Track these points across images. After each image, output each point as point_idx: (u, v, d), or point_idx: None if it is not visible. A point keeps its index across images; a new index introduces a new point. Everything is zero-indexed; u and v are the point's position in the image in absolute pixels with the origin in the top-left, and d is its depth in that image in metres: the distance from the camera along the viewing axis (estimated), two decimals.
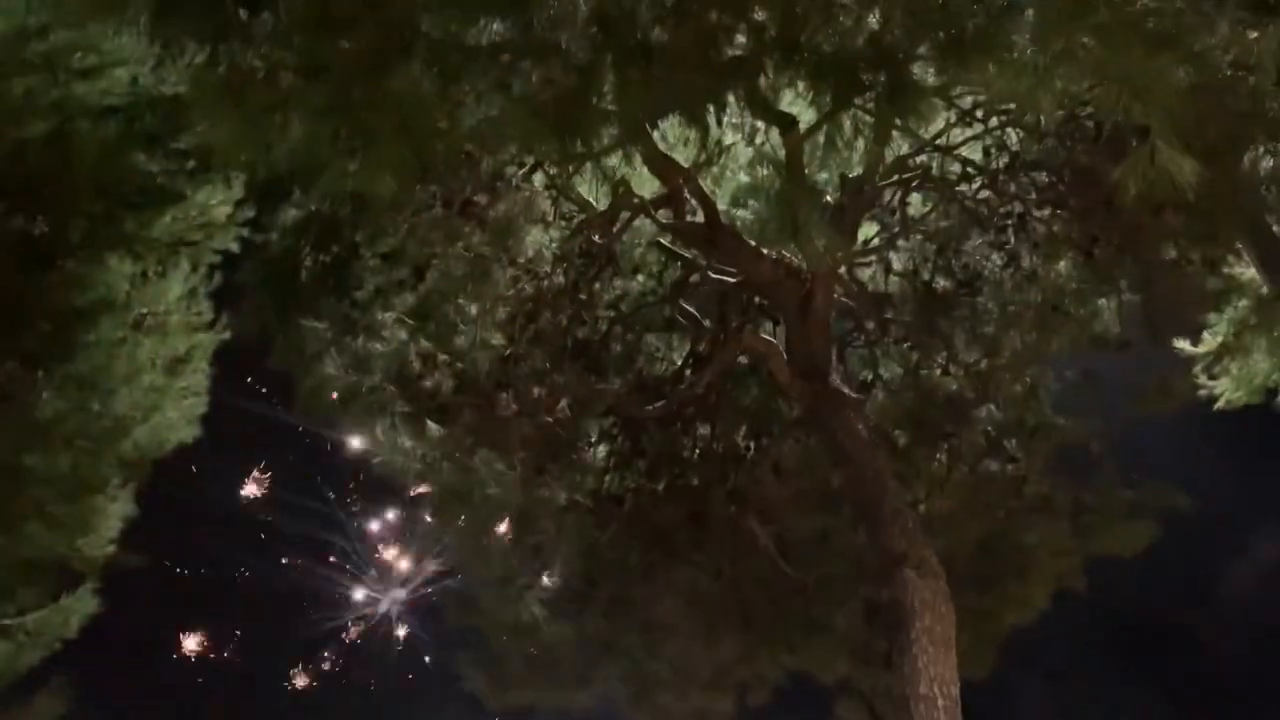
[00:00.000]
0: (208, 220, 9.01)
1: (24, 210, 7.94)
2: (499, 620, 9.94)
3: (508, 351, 9.12)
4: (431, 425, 9.18)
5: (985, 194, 8.74)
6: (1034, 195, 8.66)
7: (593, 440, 9.78)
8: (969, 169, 8.49)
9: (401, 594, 20.23)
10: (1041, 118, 7.55)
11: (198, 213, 8.92)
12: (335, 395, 9.03)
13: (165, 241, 8.93)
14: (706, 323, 9.62)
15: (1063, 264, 8.83)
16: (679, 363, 9.90)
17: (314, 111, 5.20)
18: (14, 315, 8.09)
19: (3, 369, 8.00)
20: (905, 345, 9.62)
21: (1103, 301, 9.01)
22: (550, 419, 9.42)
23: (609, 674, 9.98)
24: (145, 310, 9.26)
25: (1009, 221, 8.82)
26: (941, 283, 9.27)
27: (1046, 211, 8.67)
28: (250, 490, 19.87)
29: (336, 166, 5.64)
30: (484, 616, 10.00)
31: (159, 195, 8.66)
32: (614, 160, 7.40)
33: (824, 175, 7.50)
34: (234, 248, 9.25)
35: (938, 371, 9.49)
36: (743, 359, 9.66)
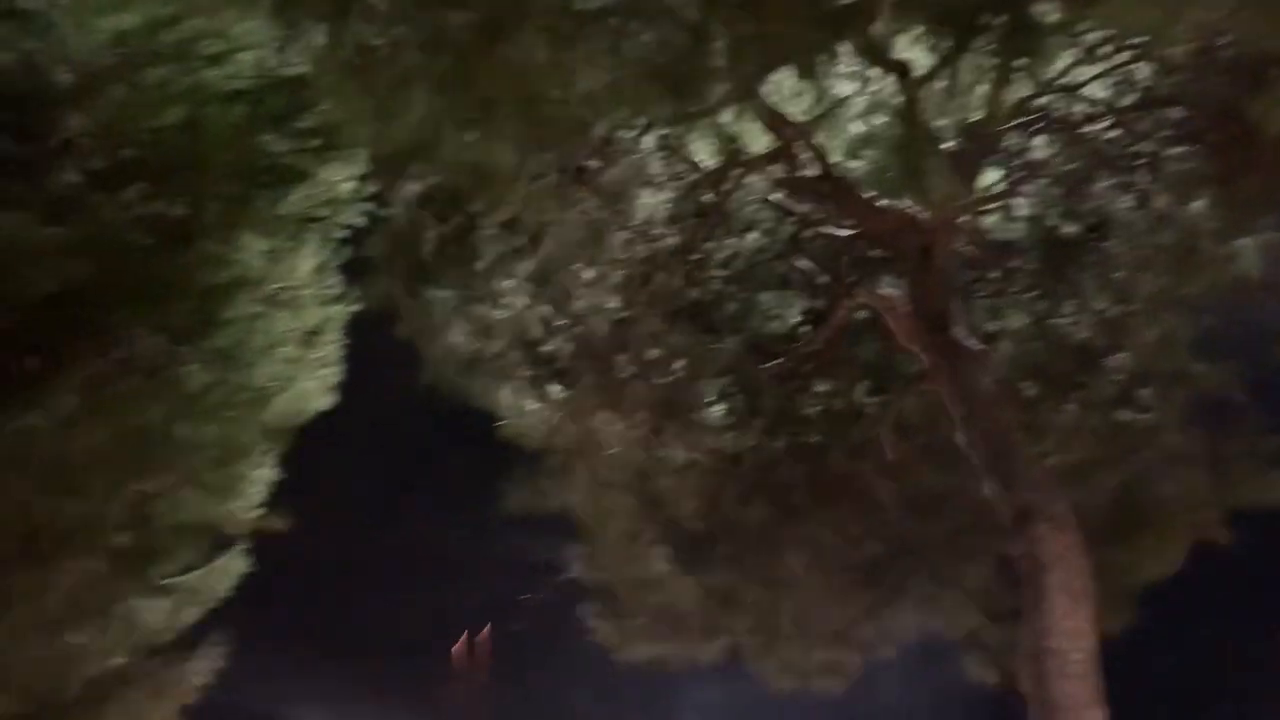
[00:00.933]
0: (334, 196, 9.31)
1: (163, 194, 8.34)
2: (624, 575, 10.15)
3: (623, 314, 9.23)
4: (553, 388, 9.37)
5: (1113, 133, 8.38)
6: (1166, 133, 8.27)
7: (710, 400, 9.83)
8: (1095, 108, 8.16)
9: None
10: (1174, 51, 7.19)
11: (324, 189, 9.22)
12: (461, 362, 9.30)
13: (295, 218, 9.27)
14: (822, 278, 9.54)
15: (1199, 203, 8.42)
16: (795, 320, 9.86)
17: (433, 85, 5.34)
18: (159, 294, 8.54)
19: (152, 344, 8.46)
20: (1031, 294, 9.35)
21: (1242, 241, 8.56)
22: (667, 380, 9.51)
23: (734, 627, 10.09)
24: (279, 285, 9.65)
25: (1140, 161, 8.45)
26: (1068, 228, 8.96)
27: (1180, 149, 8.27)
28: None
29: (456, 139, 5.79)
30: (610, 572, 10.22)
31: (287, 174, 8.99)
32: (726, 118, 7.37)
33: (942, 121, 7.31)
34: (360, 222, 9.54)
35: (1066, 320, 9.20)
36: (861, 314, 9.55)
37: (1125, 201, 8.78)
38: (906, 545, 9.40)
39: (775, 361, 9.55)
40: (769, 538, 9.77)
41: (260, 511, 10.26)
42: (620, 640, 10.47)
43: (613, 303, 9.07)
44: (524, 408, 9.47)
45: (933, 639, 10.01)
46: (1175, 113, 8.14)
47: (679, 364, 9.46)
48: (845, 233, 8.68)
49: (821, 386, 9.94)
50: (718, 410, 9.78)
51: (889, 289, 8.73)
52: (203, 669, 11.00)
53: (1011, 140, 8.32)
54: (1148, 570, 9.13)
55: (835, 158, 7.90)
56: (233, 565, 10.59)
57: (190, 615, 10.41)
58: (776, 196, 8.76)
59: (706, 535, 9.99)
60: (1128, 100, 8.03)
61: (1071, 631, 7.01)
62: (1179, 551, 9.11)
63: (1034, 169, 8.60)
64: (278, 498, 10.46)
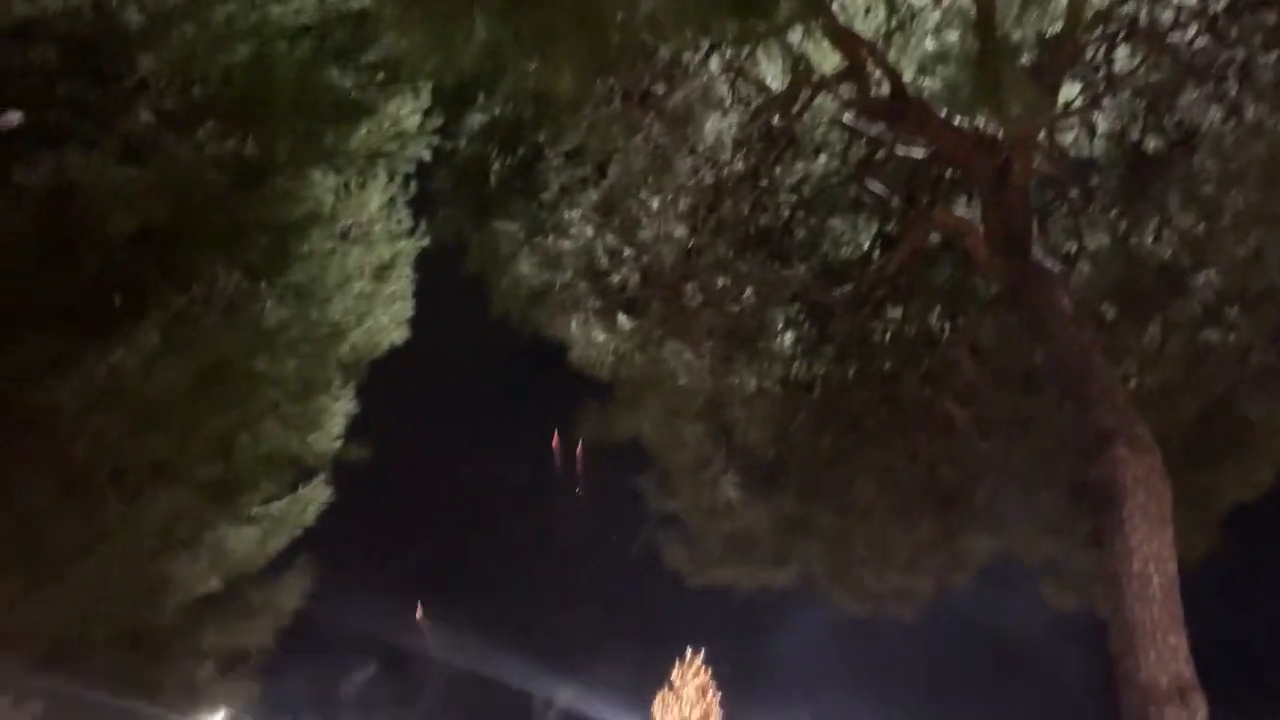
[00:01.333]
0: (400, 130, 9.34)
1: (234, 132, 8.45)
2: (696, 503, 10.23)
3: (691, 242, 9.15)
4: (621, 318, 9.37)
5: (1202, 41, 7.98)
6: (1259, 39, 7.84)
7: (780, 327, 9.74)
8: (1182, 15, 7.76)
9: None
10: None
11: (390, 124, 9.26)
12: (529, 294, 9.34)
13: (363, 154, 9.34)
14: (895, 201, 9.33)
15: None
16: (866, 245, 9.68)
17: (495, 13, 5.27)
18: (234, 231, 8.71)
19: (229, 282, 8.66)
20: (1113, 213, 9.03)
21: None
22: (735, 308, 9.45)
23: (806, 553, 10.14)
24: (350, 221, 9.78)
25: (1230, 70, 8.05)
26: (1153, 142, 8.60)
27: (1274, 55, 7.85)
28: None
29: (518, 67, 5.73)
30: (681, 499, 10.31)
31: (354, 109, 9.04)
32: (794, 36, 7.18)
33: (1020, 33, 7.03)
34: (426, 156, 9.57)
35: (1149, 239, 8.89)
36: (935, 237, 9.34)
37: (1214, 113, 8.39)
38: (982, 470, 9.29)
39: (846, 287, 9.41)
40: (841, 464, 9.73)
41: (339, 443, 10.54)
42: (693, 566, 10.59)
43: (680, 231, 8.99)
44: (593, 338, 9.49)
45: (1009, 563, 9.95)
46: (1269, 17, 7.71)
47: (748, 292, 9.38)
48: (918, 154, 8.44)
49: (894, 312, 9.78)
50: (788, 338, 9.71)
51: (964, 211, 8.52)
52: (292, 594, 11.45)
53: (1093, 52, 7.97)
54: (1232, 494, 8.91)
55: (908, 76, 7.67)
56: (315, 495, 10.93)
57: (277, 543, 10.80)
58: (847, 118, 8.54)
59: (777, 463, 9.99)
60: (1217, 5, 7.63)
61: (1152, 555, 6.89)
62: (1266, 474, 8.87)
63: (1116, 81, 8.24)
64: (356, 430, 10.73)
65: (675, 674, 25.74)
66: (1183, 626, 7.26)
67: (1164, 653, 7.00)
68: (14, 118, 7.90)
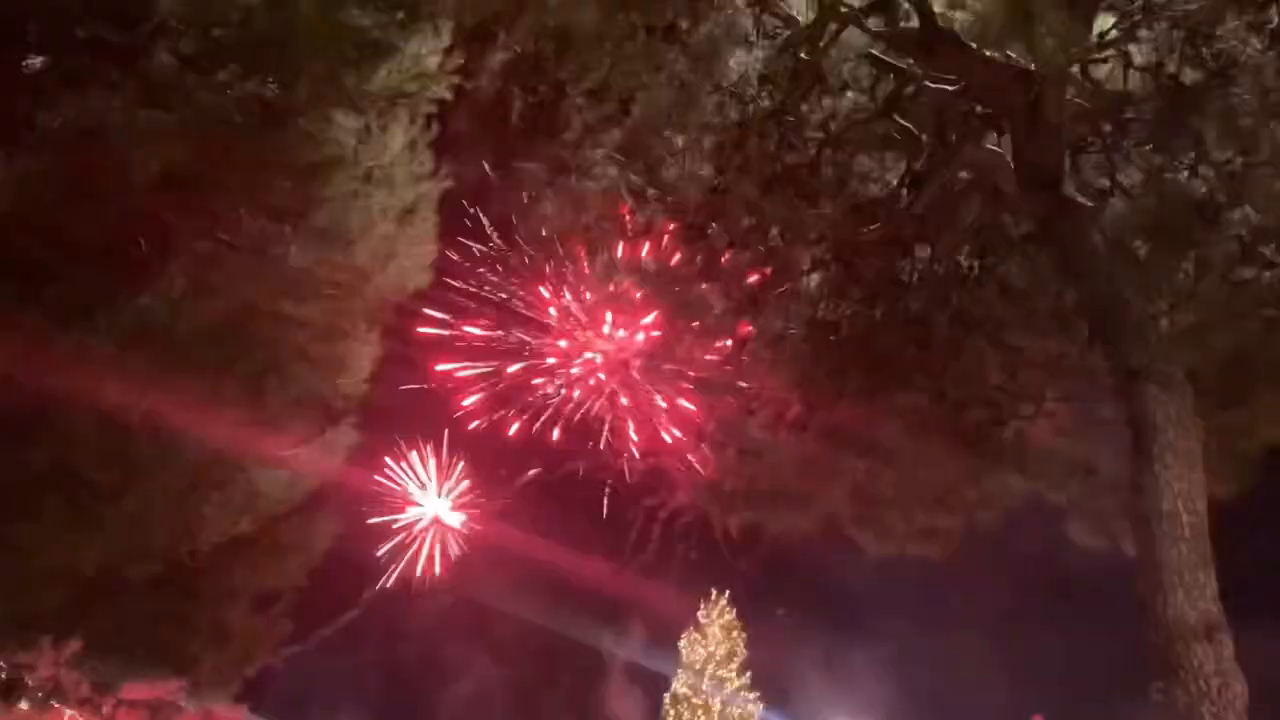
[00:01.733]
0: (421, 71, 9.25)
1: (255, 74, 8.39)
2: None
3: (716, 182, 9.03)
4: (647, 260, 9.31)
5: None
6: None
7: (806, 268, 9.64)
8: None
9: None
10: None
11: (411, 64, 9.17)
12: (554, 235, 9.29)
13: (384, 95, 9.27)
14: (924, 138, 9.16)
15: None
16: (895, 182, 9.52)
17: None
18: (257, 174, 8.69)
19: (254, 225, 8.67)
20: (1147, 147, 8.82)
21: None
22: (762, 248, 9.35)
23: (832, 495, 10.14)
24: (372, 164, 9.73)
25: None
26: (1190, 74, 8.36)
27: None
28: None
29: (540, 3, 5.64)
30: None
31: (374, 49, 8.95)
32: None
33: None
34: (447, 96, 9.48)
35: (1184, 174, 8.68)
36: (964, 174, 9.17)
37: (1254, 43, 8.13)
38: (1010, 410, 9.21)
39: (875, 227, 9.27)
40: (867, 406, 9.68)
41: (366, 386, 10.62)
42: (720, 509, 10.62)
43: (706, 170, 8.87)
44: (618, 279, 9.45)
45: (1036, 504, 9.91)
46: None
47: (775, 232, 9.27)
48: (948, 89, 8.26)
49: (922, 251, 9.64)
50: (815, 278, 9.60)
51: (995, 147, 8.36)
52: (323, 533, 11.61)
53: None
54: (1265, 433, 8.79)
55: (938, 8, 7.49)
56: (343, 437, 11.03)
57: (308, 484, 10.93)
58: (875, 52, 8.36)
59: (804, 405, 9.95)
60: None
61: (1182, 494, 6.84)
62: None
63: (1153, 11, 8.00)
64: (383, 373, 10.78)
65: (701, 613, 26.06)
66: (1212, 565, 7.22)
67: (1192, 591, 6.98)
68: (36, 61, 7.89)
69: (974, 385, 9.62)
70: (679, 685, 25.21)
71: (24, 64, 7.80)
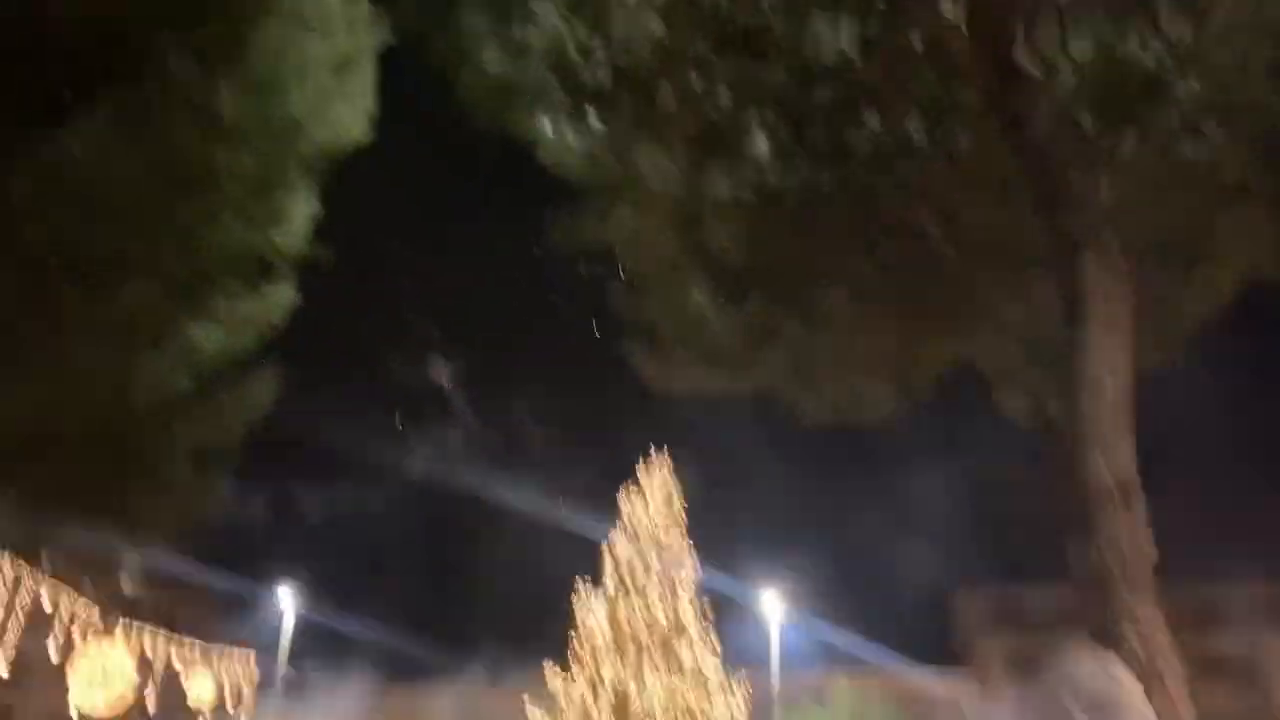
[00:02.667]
0: None
1: None
2: (664, 307, 10.23)
3: (667, 39, 8.79)
4: (592, 117, 9.10)
5: None
6: None
7: (755, 132, 9.51)
8: None
9: None
10: None
11: None
12: (494, 90, 9.00)
13: None
14: (878, 1, 8.97)
15: None
16: (846, 47, 9.34)
17: None
18: (186, 16, 8.26)
19: (183, 69, 8.28)
20: (1101, 18, 8.73)
21: None
22: (711, 110, 9.18)
23: (770, 359, 10.24)
24: (307, 10, 9.30)
25: None
26: None
27: None
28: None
29: None
30: (649, 304, 10.31)
31: None
32: None
33: None
34: None
35: (1136, 47, 8.62)
36: (917, 41, 9.02)
37: None
38: (950, 279, 9.31)
39: (825, 92, 9.14)
40: (810, 272, 9.72)
41: (305, 243, 10.39)
42: (660, 373, 10.70)
43: (655, 25, 8.62)
44: (562, 138, 9.24)
45: (968, 372, 10.13)
46: None
47: (724, 93, 9.10)
48: None
49: (872, 120, 9.55)
50: (763, 143, 9.48)
51: (949, 12, 8.21)
52: (262, 394, 11.52)
53: None
54: (1195, 307, 9.01)
55: None
56: (282, 295, 10.84)
57: (245, 342, 10.78)
58: None
59: (747, 270, 9.97)
60: None
61: (1108, 361, 7.03)
62: (1227, 289, 8.96)
63: None
64: (322, 231, 10.55)
65: (640, 472, 26.31)
66: (1131, 432, 7.49)
67: (1110, 455, 7.25)
68: None
69: (917, 256, 9.68)
70: (617, 543, 25.52)
71: None
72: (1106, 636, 6.39)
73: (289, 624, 32.60)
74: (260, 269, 10.39)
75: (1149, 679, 5.94)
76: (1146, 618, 6.78)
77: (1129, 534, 7.09)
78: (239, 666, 18.71)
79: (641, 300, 10.33)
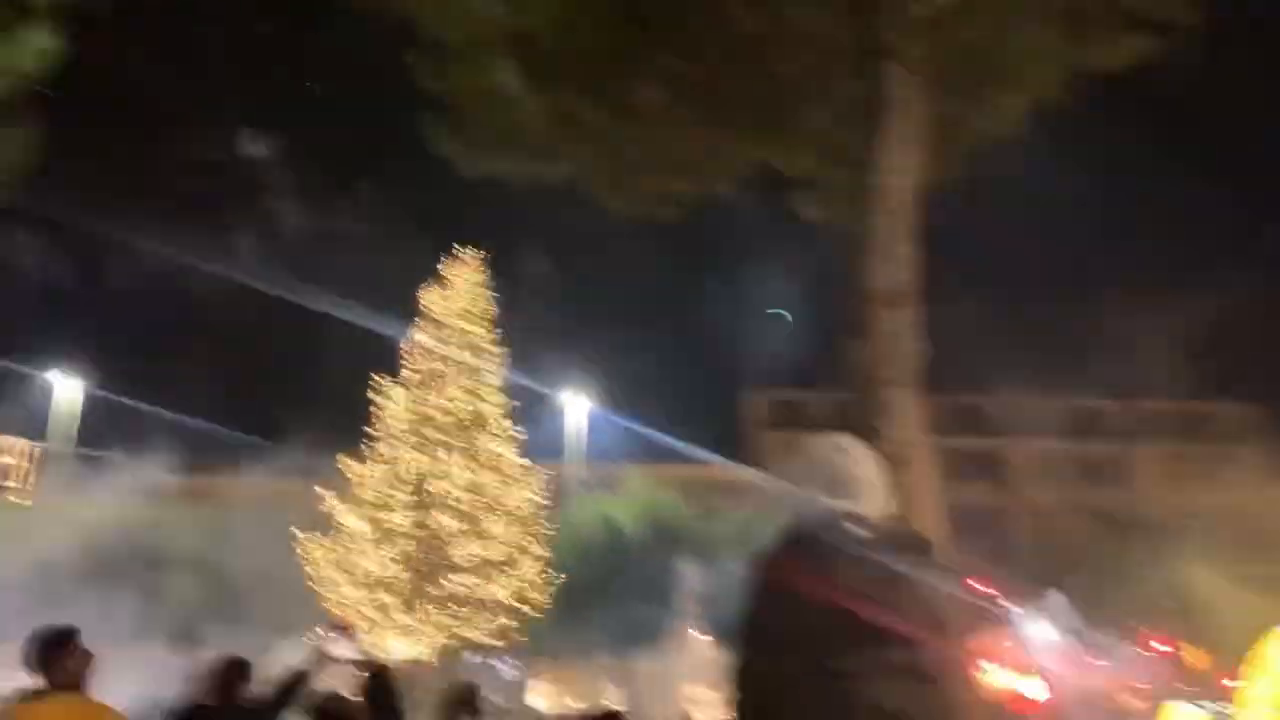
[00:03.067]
0: None
1: None
2: (471, 86, 9.75)
3: None
4: None
5: None
6: None
7: None
8: None
9: None
10: None
11: None
12: None
13: None
14: None
15: None
16: None
17: None
18: None
19: None
20: None
21: None
22: None
23: (580, 151, 10.03)
24: None
25: None
26: None
27: None
28: None
29: None
30: (454, 82, 9.80)
31: None
32: None
33: None
34: None
35: None
36: None
37: None
38: (758, 82, 9.24)
39: None
40: (622, 62, 9.45)
41: None
42: (464, 154, 10.31)
43: None
44: None
45: (767, 175, 10.25)
46: None
47: None
48: None
49: None
50: None
51: None
52: (16, 150, 10.45)
53: None
54: (984, 125, 9.32)
55: None
56: (38, 40, 9.66)
57: None
58: None
59: (558, 54, 9.58)
60: None
61: (898, 169, 7.26)
62: (1018, 108, 9.27)
63: None
64: None
65: (445, 268, 25.85)
66: (911, 241, 7.84)
67: (888, 262, 7.61)
68: None
69: (728, 53, 9.54)
70: (419, 334, 25.24)
71: None
72: (866, 429, 6.86)
73: (64, 405, 32.58)
74: (14, 12, 9.15)
75: (898, 465, 6.45)
76: (904, 411, 7.31)
77: (897, 336, 7.53)
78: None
79: (445, 75, 9.78)
